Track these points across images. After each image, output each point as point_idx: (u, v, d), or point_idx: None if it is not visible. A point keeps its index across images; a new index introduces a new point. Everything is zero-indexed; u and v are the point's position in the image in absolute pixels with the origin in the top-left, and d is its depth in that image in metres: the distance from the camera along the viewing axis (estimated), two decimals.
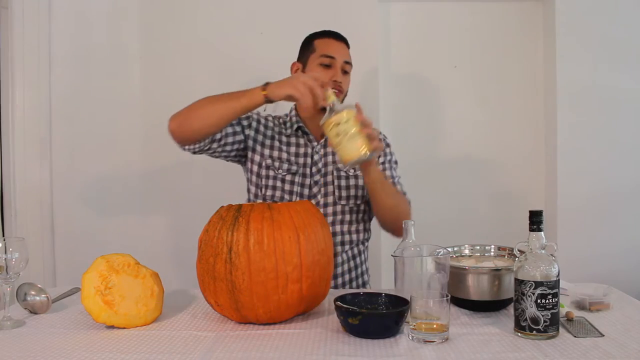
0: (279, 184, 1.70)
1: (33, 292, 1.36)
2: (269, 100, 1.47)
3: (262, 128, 1.74)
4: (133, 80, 2.35)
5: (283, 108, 1.78)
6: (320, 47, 1.70)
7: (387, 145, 1.81)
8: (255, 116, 1.75)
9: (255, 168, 1.73)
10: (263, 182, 1.71)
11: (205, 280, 1.25)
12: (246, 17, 2.34)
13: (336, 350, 1.09)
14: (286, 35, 2.34)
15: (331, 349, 1.09)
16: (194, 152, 1.64)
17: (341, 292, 1.44)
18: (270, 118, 1.79)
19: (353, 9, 2.31)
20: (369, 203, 1.75)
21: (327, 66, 1.67)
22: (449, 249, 1.39)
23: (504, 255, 1.44)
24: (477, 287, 1.28)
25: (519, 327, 1.14)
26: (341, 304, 1.19)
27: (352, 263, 1.74)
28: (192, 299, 1.47)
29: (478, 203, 2.41)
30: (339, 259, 1.71)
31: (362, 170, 1.58)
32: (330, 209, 1.70)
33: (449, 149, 2.42)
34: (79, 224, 2.34)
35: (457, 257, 1.46)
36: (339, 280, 1.71)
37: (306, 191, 1.70)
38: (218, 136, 1.63)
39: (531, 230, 1.16)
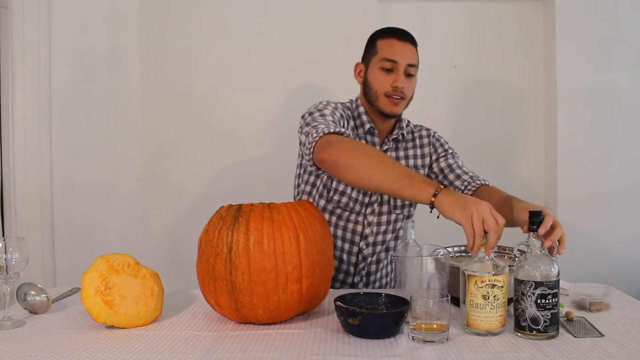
0: (348, 190, 1.62)
1: (33, 292, 1.36)
2: (432, 207, 1.26)
3: (344, 122, 1.59)
4: (133, 80, 2.35)
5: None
6: (382, 49, 1.57)
7: (438, 139, 1.71)
8: (340, 110, 1.60)
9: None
10: (334, 186, 1.63)
11: (205, 280, 1.24)
12: (246, 17, 2.34)
13: (336, 350, 1.09)
14: (286, 35, 2.35)
15: (331, 349, 1.09)
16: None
17: (340, 292, 1.44)
18: (347, 112, 1.64)
19: (353, 9, 2.31)
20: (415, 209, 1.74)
21: (389, 70, 1.56)
22: (449, 249, 1.39)
23: (504, 256, 1.44)
24: None
25: (519, 327, 1.14)
26: (341, 304, 1.19)
27: (389, 268, 1.76)
28: (192, 299, 1.47)
29: None
30: (381, 265, 1.71)
31: None
32: (384, 218, 1.66)
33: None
34: (79, 224, 2.34)
35: (457, 257, 1.46)
36: (377, 284, 1.73)
37: (366, 199, 1.64)
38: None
39: (531, 230, 1.16)
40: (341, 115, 1.58)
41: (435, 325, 1.12)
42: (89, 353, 1.08)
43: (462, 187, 1.62)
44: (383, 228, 1.68)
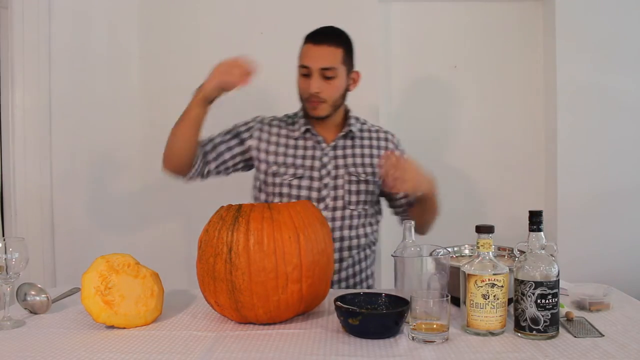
0: (285, 189, 1.67)
1: (33, 292, 1.36)
2: (209, 100, 1.52)
3: (265, 135, 1.71)
4: (133, 80, 2.35)
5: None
6: (301, 55, 1.63)
7: (398, 148, 1.77)
8: (257, 125, 1.73)
9: (262, 176, 1.71)
10: (270, 190, 1.69)
11: (205, 280, 1.24)
12: (246, 17, 2.34)
13: (336, 350, 1.09)
14: (286, 35, 2.34)
15: (331, 349, 1.09)
16: (202, 177, 1.69)
17: (341, 292, 1.44)
18: (275, 122, 1.75)
19: (353, 9, 2.31)
20: (378, 206, 1.76)
21: (306, 75, 1.60)
22: (449, 249, 1.39)
23: (504, 256, 1.44)
24: None
25: (519, 327, 1.14)
26: (341, 304, 1.19)
27: (357, 267, 1.73)
28: (192, 299, 1.47)
29: (478, 203, 2.41)
30: (345, 264, 1.69)
31: (418, 199, 1.59)
32: (339, 213, 1.67)
33: (449, 149, 2.42)
34: (79, 224, 2.34)
35: (457, 257, 1.46)
36: (343, 284, 1.70)
37: (314, 194, 1.67)
38: (211, 156, 1.67)
39: (531, 230, 1.16)
40: (236, 133, 1.71)
41: (435, 325, 1.12)
42: (89, 353, 1.08)
43: (402, 209, 1.75)
44: (338, 224, 1.67)
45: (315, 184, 1.67)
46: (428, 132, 2.42)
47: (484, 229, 1.17)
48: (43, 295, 1.36)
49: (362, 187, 1.68)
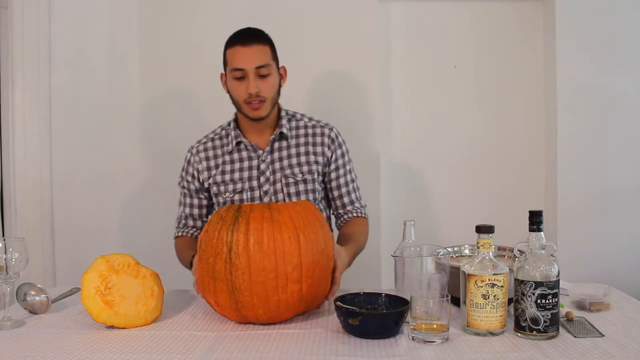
0: (226, 199, 1.68)
1: (33, 292, 1.36)
2: None
3: (203, 163, 1.71)
4: (133, 80, 2.35)
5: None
6: (230, 59, 1.60)
7: (340, 145, 1.73)
8: (193, 157, 1.73)
9: (213, 199, 1.73)
10: (217, 209, 1.69)
11: (206, 280, 1.24)
12: (246, 17, 2.33)
13: (336, 350, 1.09)
14: (286, 35, 2.34)
15: (331, 349, 1.09)
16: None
17: (340, 292, 1.43)
18: (209, 143, 1.73)
19: (353, 9, 2.31)
20: (323, 204, 1.75)
21: (240, 78, 1.58)
22: (449, 249, 1.39)
23: (504, 256, 1.44)
24: None
25: (519, 327, 1.14)
26: (341, 304, 1.19)
27: None
28: (192, 299, 1.47)
29: (478, 203, 2.41)
30: None
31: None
32: None
33: (449, 149, 2.42)
34: (79, 224, 2.34)
35: (457, 257, 1.46)
36: None
37: (248, 194, 1.67)
38: (199, 223, 1.76)
39: (531, 230, 1.16)
40: (192, 176, 1.75)
41: (435, 325, 1.12)
42: (89, 353, 1.09)
43: (342, 212, 1.73)
44: None
45: (256, 194, 1.67)
46: (428, 132, 2.42)
47: (484, 229, 1.17)
48: (43, 295, 1.36)
49: (301, 187, 1.67)
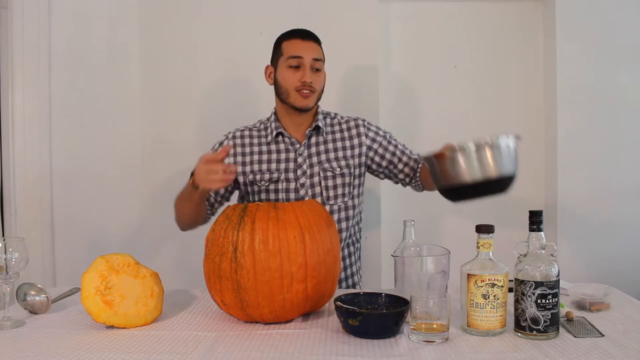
0: (263, 195, 1.70)
1: (33, 292, 1.36)
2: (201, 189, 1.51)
3: (238, 149, 1.73)
4: (133, 80, 2.35)
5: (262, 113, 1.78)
6: (287, 49, 1.68)
7: (372, 128, 1.78)
8: (229, 142, 1.74)
9: (242, 188, 1.74)
10: (250, 199, 1.73)
11: (212, 279, 1.25)
12: (246, 17, 2.33)
13: (336, 350, 1.09)
14: None
15: (331, 349, 1.09)
16: (213, 215, 1.79)
17: (340, 292, 1.43)
18: (246, 132, 1.76)
19: (353, 9, 2.31)
20: (358, 200, 1.77)
21: (296, 67, 1.65)
22: (449, 249, 1.39)
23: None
24: (469, 166, 1.28)
25: (519, 327, 1.14)
26: (341, 304, 1.19)
27: (341, 264, 1.74)
28: (192, 299, 1.47)
29: (478, 203, 2.41)
30: None
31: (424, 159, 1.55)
32: None
33: None
34: (79, 224, 2.34)
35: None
36: None
37: (292, 195, 1.69)
38: (213, 199, 1.75)
39: (531, 230, 1.16)
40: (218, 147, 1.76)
41: (435, 325, 1.12)
42: (89, 353, 1.09)
43: (411, 174, 1.76)
44: None
45: (292, 185, 1.70)
46: (428, 132, 2.42)
47: (484, 229, 1.17)
48: (43, 295, 1.36)
49: (339, 181, 1.71)
